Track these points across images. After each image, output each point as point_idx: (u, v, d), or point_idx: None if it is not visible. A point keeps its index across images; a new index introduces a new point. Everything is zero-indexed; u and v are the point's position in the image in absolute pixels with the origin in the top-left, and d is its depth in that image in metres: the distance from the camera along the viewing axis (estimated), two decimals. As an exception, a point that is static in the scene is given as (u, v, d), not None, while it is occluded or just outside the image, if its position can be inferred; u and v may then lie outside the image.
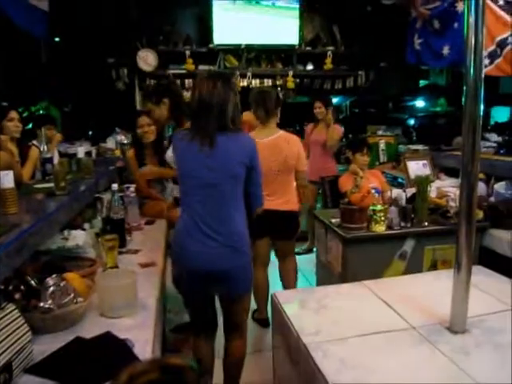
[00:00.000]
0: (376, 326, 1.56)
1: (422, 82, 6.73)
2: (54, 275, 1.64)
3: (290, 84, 5.83)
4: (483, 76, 1.41)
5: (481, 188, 3.35)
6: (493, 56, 3.94)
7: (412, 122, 6.83)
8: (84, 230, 2.40)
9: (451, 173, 4.04)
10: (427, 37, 4.60)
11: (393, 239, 2.92)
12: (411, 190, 3.17)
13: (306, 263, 4.23)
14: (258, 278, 3.19)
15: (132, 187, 2.97)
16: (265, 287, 3.31)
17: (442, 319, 1.57)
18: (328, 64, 5.93)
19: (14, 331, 1.27)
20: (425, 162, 4.14)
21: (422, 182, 2.99)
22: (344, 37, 6.06)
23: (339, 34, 6.07)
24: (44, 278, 1.62)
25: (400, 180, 4.53)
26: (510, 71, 3.93)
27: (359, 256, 2.85)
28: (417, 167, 4.03)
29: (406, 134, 6.12)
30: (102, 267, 2.10)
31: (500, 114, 6.36)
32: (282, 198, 3.08)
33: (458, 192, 1.87)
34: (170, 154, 2.26)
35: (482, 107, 1.43)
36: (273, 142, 3.04)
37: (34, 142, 3.58)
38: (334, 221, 3.04)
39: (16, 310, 1.33)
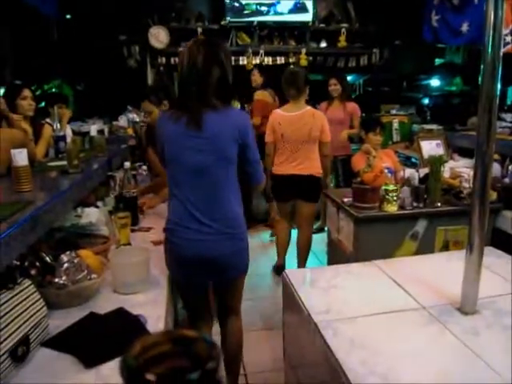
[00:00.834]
0: (386, 306, 1.56)
1: (438, 61, 6.61)
2: (68, 252, 1.67)
3: (303, 62, 5.77)
4: (502, 54, 1.37)
5: (495, 169, 3.31)
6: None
7: (426, 101, 6.74)
8: (97, 207, 2.42)
9: (465, 153, 3.99)
10: (445, 13, 4.49)
11: (405, 219, 2.91)
12: (424, 170, 3.15)
13: (317, 243, 4.23)
14: (280, 230, 3.86)
15: (144, 165, 2.99)
16: (284, 239, 3.85)
17: (453, 300, 1.57)
18: (342, 41, 5.85)
19: (31, 306, 1.30)
20: (439, 141, 4.08)
21: (436, 162, 2.96)
22: (358, 14, 5.96)
23: (353, 11, 5.96)
24: (58, 254, 1.65)
25: (413, 160, 4.49)
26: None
27: (371, 236, 2.84)
28: (430, 147, 3.99)
29: (420, 114, 6.04)
30: (114, 244, 2.13)
31: (517, 94, 6.25)
32: (304, 164, 3.51)
33: (471, 173, 1.85)
34: None
35: (498, 86, 1.40)
36: (300, 116, 3.47)
37: (47, 120, 3.60)
38: (345, 200, 3.03)
39: (32, 286, 1.36)
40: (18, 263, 1.49)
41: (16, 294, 1.27)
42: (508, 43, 3.81)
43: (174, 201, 1.87)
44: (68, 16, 5.20)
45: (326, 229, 4.00)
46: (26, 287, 1.33)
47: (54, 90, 5.94)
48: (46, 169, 2.48)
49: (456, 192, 3.03)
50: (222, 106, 1.80)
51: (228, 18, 5.55)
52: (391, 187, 2.82)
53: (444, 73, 6.72)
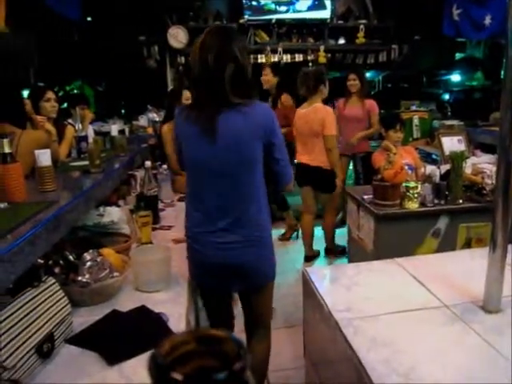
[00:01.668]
0: (408, 304, 1.55)
1: (458, 55, 6.51)
2: (90, 250, 1.69)
3: (322, 59, 5.75)
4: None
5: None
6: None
7: (447, 96, 6.65)
8: (119, 206, 2.45)
9: (487, 149, 3.93)
10: (467, 7, 4.41)
11: (426, 216, 2.87)
12: (445, 167, 3.11)
13: (337, 239, 4.23)
14: (304, 223, 4.10)
15: (164, 164, 3.01)
16: (308, 230, 4.08)
17: (476, 298, 1.55)
18: (360, 38, 5.81)
19: (55, 303, 1.33)
20: (460, 137, 4.03)
21: (457, 159, 2.91)
22: (377, 9, 5.90)
23: (372, 7, 5.91)
24: (81, 253, 1.67)
25: (434, 156, 4.43)
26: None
27: (391, 233, 2.82)
28: (451, 143, 3.93)
29: (441, 109, 5.97)
30: (136, 243, 2.15)
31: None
32: (311, 156, 3.79)
33: (494, 169, 1.82)
34: None
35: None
36: (306, 112, 3.76)
37: (69, 120, 3.66)
38: (366, 197, 3.01)
39: (56, 284, 1.38)
40: (43, 262, 1.52)
41: (41, 292, 1.30)
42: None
43: (194, 205, 1.77)
44: (89, 18, 5.26)
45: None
46: (51, 285, 1.36)
47: (75, 91, 6.02)
48: (69, 169, 2.53)
49: (478, 188, 2.98)
50: (243, 102, 1.64)
51: (246, 17, 5.55)
52: (412, 184, 2.79)
53: (465, 67, 6.62)
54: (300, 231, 4.38)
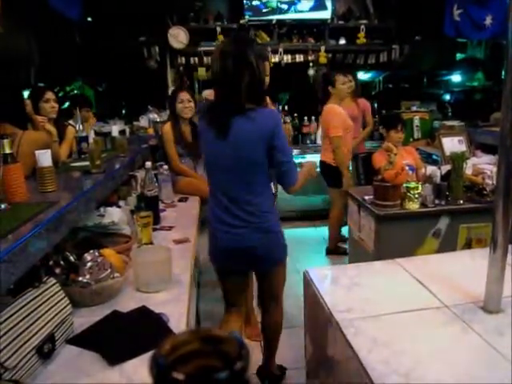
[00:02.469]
0: (409, 304, 1.55)
1: (459, 56, 6.50)
2: (91, 251, 1.69)
3: (322, 59, 5.74)
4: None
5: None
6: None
7: (447, 97, 6.64)
8: (119, 207, 2.45)
9: (488, 150, 3.92)
10: (468, 7, 4.40)
11: (427, 217, 2.88)
12: (446, 167, 3.11)
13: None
14: (332, 217, 4.24)
15: (165, 165, 3.01)
16: (335, 224, 4.26)
17: (476, 298, 1.55)
18: (361, 38, 5.80)
19: (56, 304, 1.33)
20: (460, 138, 4.02)
21: (458, 159, 2.91)
22: (377, 9, 5.89)
23: (372, 7, 5.91)
24: (82, 253, 1.68)
25: (434, 157, 4.43)
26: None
27: (392, 233, 2.82)
28: (452, 144, 3.93)
29: (442, 110, 5.95)
30: (137, 243, 2.16)
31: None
32: (322, 152, 4.16)
33: (494, 169, 1.82)
34: None
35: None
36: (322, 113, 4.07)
37: (70, 121, 3.66)
38: (366, 198, 3.01)
39: (57, 284, 1.38)
40: (43, 262, 1.53)
41: (42, 293, 1.30)
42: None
43: (211, 196, 2.07)
44: (89, 19, 5.26)
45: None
46: (51, 286, 1.36)
47: (75, 91, 6.02)
48: (70, 169, 2.53)
49: (479, 189, 2.98)
50: (254, 108, 1.84)
51: (247, 17, 5.55)
52: (413, 185, 2.80)
53: (465, 68, 6.60)
54: None
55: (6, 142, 1.65)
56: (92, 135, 3.16)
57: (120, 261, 1.78)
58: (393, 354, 1.26)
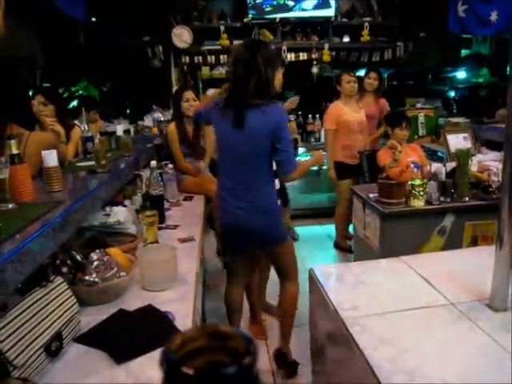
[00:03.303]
0: (414, 302, 1.55)
1: (464, 52, 6.46)
2: (97, 250, 1.70)
3: (326, 57, 5.72)
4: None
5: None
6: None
7: (452, 93, 6.60)
8: (125, 206, 2.46)
9: (493, 146, 3.90)
10: (473, 3, 4.37)
11: (432, 214, 2.87)
12: (451, 165, 3.09)
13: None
14: (337, 213, 4.29)
15: (170, 164, 3.02)
16: (340, 220, 4.28)
17: (482, 296, 1.54)
18: (365, 36, 5.77)
19: (63, 303, 1.34)
20: (465, 135, 4.00)
21: (463, 156, 2.90)
22: (381, 7, 5.87)
23: (376, 4, 5.88)
24: (88, 252, 1.69)
25: (440, 154, 4.41)
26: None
27: (397, 231, 2.82)
28: (457, 141, 3.91)
29: (446, 107, 5.92)
30: (142, 242, 2.16)
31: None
32: None
33: (500, 166, 1.81)
34: None
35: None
36: None
37: (76, 121, 3.67)
38: (371, 196, 3.01)
39: (64, 283, 1.40)
40: (50, 261, 1.54)
41: (49, 292, 1.31)
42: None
43: (221, 178, 2.32)
44: (93, 19, 5.27)
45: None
46: (59, 285, 1.37)
47: (80, 91, 6.04)
48: (75, 169, 2.54)
49: (484, 186, 2.97)
50: (264, 102, 2.08)
51: (250, 16, 5.54)
52: (418, 182, 2.79)
53: (470, 64, 6.56)
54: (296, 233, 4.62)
55: (12, 142, 1.66)
56: (97, 135, 3.17)
57: (126, 260, 1.79)
58: (399, 352, 1.26)
